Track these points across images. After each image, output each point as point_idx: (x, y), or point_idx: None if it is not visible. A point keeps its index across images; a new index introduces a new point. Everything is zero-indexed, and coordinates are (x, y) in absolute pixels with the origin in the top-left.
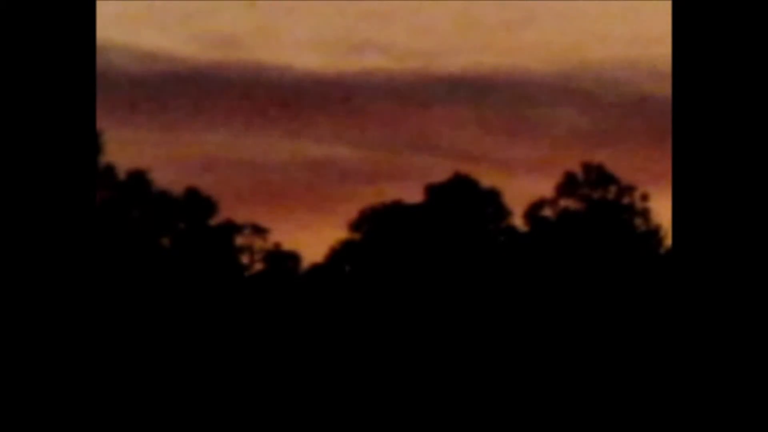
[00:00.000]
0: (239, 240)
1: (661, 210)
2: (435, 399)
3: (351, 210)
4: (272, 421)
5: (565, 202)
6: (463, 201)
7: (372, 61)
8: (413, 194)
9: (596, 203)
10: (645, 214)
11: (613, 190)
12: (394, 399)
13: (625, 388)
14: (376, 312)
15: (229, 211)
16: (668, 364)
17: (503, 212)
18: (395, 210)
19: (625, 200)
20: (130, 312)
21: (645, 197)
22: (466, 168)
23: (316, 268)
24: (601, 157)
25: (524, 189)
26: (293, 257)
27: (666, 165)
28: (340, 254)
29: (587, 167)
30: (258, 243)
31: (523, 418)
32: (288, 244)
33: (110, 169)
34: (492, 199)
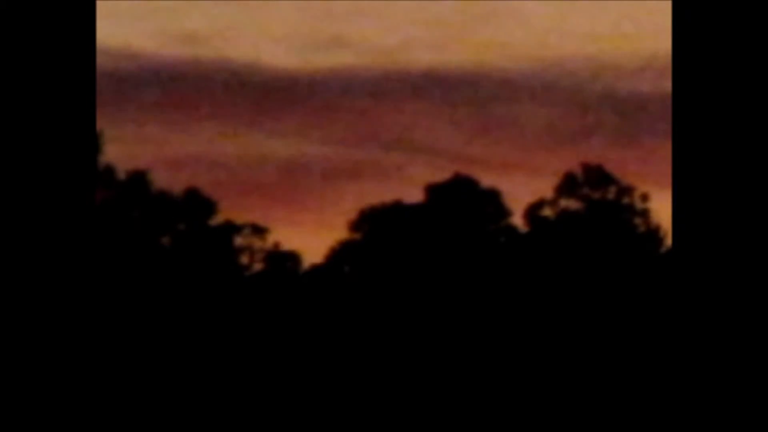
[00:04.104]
0: (239, 240)
1: (661, 210)
2: (435, 399)
3: (332, 208)
4: (272, 421)
5: (565, 202)
6: (463, 201)
7: (340, 58)
8: (395, 192)
9: (596, 203)
10: (645, 214)
11: (612, 190)
12: (394, 399)
13: (625, 388)
14: (376, 313)
15: (226, 211)
16: (668, 364)
17: (503, 212)
18: (395, 210)
19: (625, 200)
20: (130, 312)
21: (645, 197)
22: (442, 165)
23: (316, 268)
24: (578, 155)
25: (524, 189)
26: (293, 257)
27: (649, 162)
28: (340, 254)
29: (587, 167)
30: (258, 243)
31: (523, 418)
32: (287, 244)
33: (110, 169)
34: (492, 199)
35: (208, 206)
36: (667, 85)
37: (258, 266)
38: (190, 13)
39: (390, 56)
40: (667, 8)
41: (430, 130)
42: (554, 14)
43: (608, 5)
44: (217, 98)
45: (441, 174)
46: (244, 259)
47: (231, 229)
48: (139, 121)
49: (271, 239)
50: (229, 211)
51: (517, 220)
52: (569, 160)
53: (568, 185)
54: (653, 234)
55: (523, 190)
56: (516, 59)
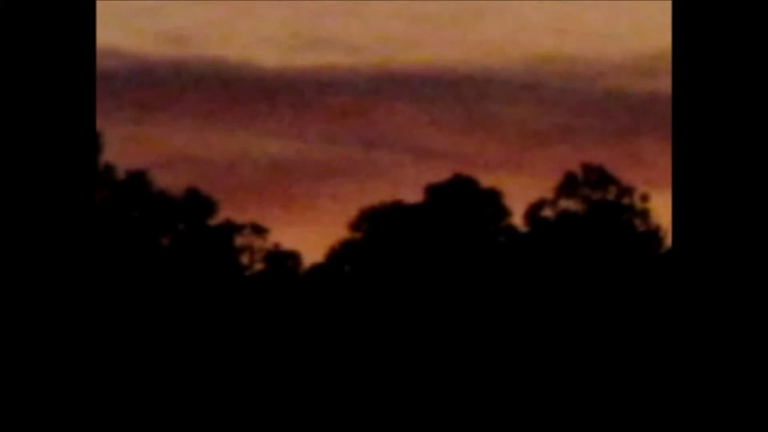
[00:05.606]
0: (239, 240)
1: (661, 210)
2: (435, 399)
3: (332, 208)
4: (272, 421)
5: (565, 203)
6: (462, 201)
7: (328, 57)
8: (394, 192)
9: (596, 203)
10: (645, 214)
11: (612, 190)
12: (394, 399)
13: (625, 388)
14: (376, 312)
15: (226, 211)
16: (668, 364)
17: (503, 212)
18: (395, 210)
19: (625, 200)
20: (130, 312)
21: (645, 197)
22: (440, 165)
23: (316, 268)
24: (578, 155)
25: (524, 189)
26: (293, 257)
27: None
28: (340, 254)
29: (587, 167)
30: (258, 243)
31: (523, 418)
32: (287, 244)
33: (110, 169)
34: (492, 199)
35: (208, 206)
36: (667, 84)
37: (258, 266)
38: (181, 13)
39: (381, 55)
40: (664, 6)
41: (425, 129)
42: (549, 12)
43: (604, 4)
44: (211, 98)
45: (440, 174)
46: (244, 259)
47: (231, 229)
48: (138, 121)
49: (271, 239)
50: (229, 211)
51: (517, 220)
52: (569, 160)
53: (568, 185)
54: (653, 234)
55: (523, 190)
56: (509, 58)
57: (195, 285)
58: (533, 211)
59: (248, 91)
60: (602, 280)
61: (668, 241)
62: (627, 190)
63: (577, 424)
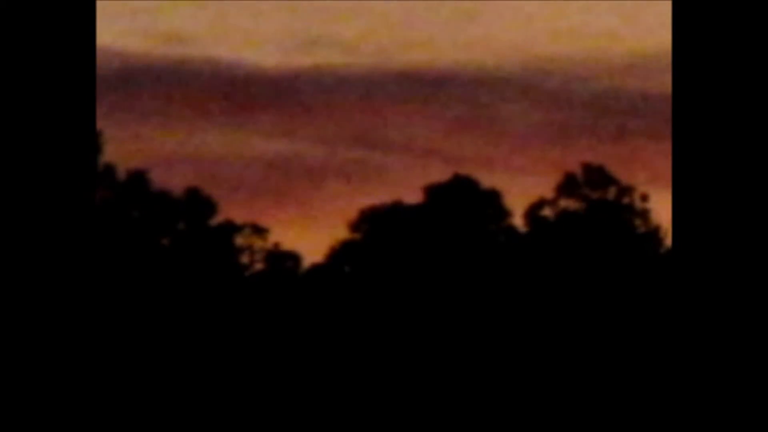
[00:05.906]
0: (239, 240)
1: (661, 210)
2: (435, 399)
3: (332, 209)
4: (272, 421)
5: (565, 203)
6: (462, 201)
7: (328, 57)
8: (394, 192)
9: (596, 203)
10: (645, 214)
11: (612, 190)
12: (394, 399)
13: (625, 388)
14: (376, 312)
15: (226, 211)
16: (668, 364)
17: (503, 212)
18: (395, 210)
19: (625, 200)
20: (130, 312)
21: (645, 197)
22: (439, 165)
23: (316, 268)
24: (578, 155)
25: (524, 189)
26: (293, 257)
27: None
28: (340, 254)
29: (587, 167)
30: (258, 243)
31: (523, 418)
32: (287, 244)
33: (110, 169)
34: (492, 199)
35: (208, 206)
36: (666, 84)
37: (258, 266)
38: (180, 14)
39: (381, 55)
40: (664, 6)
41: (425, 129)
42: (548, 12)
43: (604, 4)
44: (211, 98)
45: (440, 174)
46: (244, 259)
47: (231, 229)
48: (138, 121)
49: (271, 239)
50: (229, 211)
51: (517, 220)
52: (569, 160)
53: (568, 185)
54: (653, 234)
55: (523, 190)
56: (508, 58)
57: (195, 285)
58: (533, 211)
59: (248, 91)
60: (602, 280)
61: (668, 241)
62: (627, 190)
63: (577, 424)
